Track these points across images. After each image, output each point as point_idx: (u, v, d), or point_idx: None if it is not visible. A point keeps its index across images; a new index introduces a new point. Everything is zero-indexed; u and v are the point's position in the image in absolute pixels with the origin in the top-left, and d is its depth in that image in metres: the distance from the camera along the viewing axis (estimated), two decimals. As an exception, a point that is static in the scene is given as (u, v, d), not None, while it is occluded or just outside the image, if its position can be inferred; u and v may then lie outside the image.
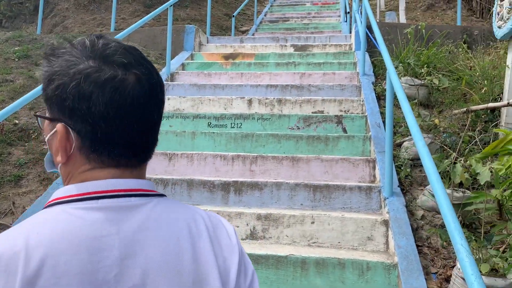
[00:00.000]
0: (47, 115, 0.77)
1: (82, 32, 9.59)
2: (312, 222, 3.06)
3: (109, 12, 10.39)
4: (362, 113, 4.48)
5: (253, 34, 9.41)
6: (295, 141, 4.03)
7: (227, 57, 6.23)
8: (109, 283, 0.66)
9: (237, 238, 0.81)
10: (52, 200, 0.73)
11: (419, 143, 2.25)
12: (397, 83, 3.00)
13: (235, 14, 8.94)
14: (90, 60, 0.72)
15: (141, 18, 10.23)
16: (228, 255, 0.77)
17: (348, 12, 8.26)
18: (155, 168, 3.92)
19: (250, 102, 4.80)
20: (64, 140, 0.73)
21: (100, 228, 0.69)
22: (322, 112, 4.60)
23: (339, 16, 10.36)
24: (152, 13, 5.27)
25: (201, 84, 5.29)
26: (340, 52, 6.01)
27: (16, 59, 5.78)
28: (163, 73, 5.61)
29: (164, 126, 4.59)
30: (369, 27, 5.58)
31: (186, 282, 0.71)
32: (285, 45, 6.48)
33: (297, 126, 4.36)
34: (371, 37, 5.67)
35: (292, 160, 3.73)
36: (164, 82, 5.29)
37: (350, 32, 8.41)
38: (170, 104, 4.94)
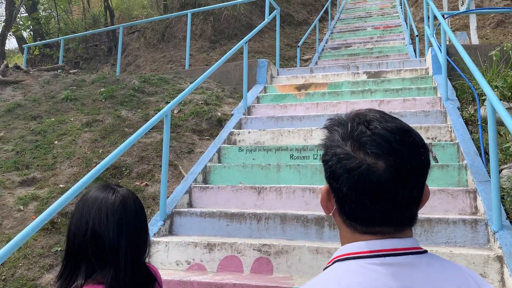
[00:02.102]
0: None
1: (153, 69, 10.12)
2: (418, 258, 2.94)
3: (177, 50, 10.90)
4: (452, 140, 4.32)
5: (316, 62, 9.48)
6: (385, 171, 3.93)
7: (299, 88, 6.28)
8: None
9: None
10: (341, 255, 0.84)
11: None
12: (502, 109, 2.87)
13: (299, 44, 9.07)
14: (347, 144, 0.82)
15: (207, 54, 10.67)
16: None
17: (417, 35, 8.11)
18: (245, 202, 3.97)
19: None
20: (325, 200, 0.87)
21: (390, 282, 0.78)
22: (407, 140, 4.48)
23: (403, 38, 10.21)
24: (231, 50, 5.45)
25: (278, 116, 5.35)
26: (417, 77, 5.88)
27: (103, 100, 6.17)
28: (241, 107, 5.75)
29: (248, 159, 4.67)
30: (446, 50, 5.43)
31: None
32: (357, 73, 6.45)
33: (384, 156, 4.27)
34: (451, 62, 5.51)
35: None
36: (242, 116, 5.45)
37: (421, 56, 8.24)
38: (251, 137, 5.03)
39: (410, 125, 4.01)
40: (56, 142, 5.13)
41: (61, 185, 4.39)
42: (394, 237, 0.83)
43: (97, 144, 5.08)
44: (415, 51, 8.61)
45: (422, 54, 8.52)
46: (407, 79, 5.86)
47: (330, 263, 0.86)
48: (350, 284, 0.77)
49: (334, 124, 0.86)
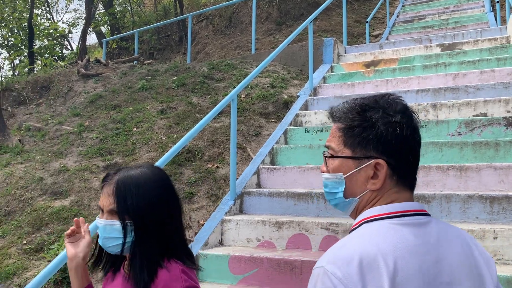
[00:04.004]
0: (350, 155, 1.03)
1: (221, 56, 10.34)
2: (495, 238, 2.81)
3: (244, 35, 11.03)
4: (536, 113, 4.00)
5: (387, 38, 9.12)
6: (459, 148, 3.76)
7: (368, 65, 6.12)
8: (451, 279, 0.92)
9: None
10: (369, 217, 0.99)
11: None
12: None
13: (368, 19, 8.77)
14: (397, 115, 1.03)
15: (273, 37, 10.68)
16: (489, 262, 1.02)
17: (498, 1, 7.48)
18: (312, 182, 4.01)
19: (400, 110, 4.63)
20: (368, 175, 1.01)
21: (414, 238, 0.93)
22: (485, 114, 4.23)
23: (483, 6, 9.46)
24: (295, 31, 5.43)
25: (346, 95, 5.28)
26: (496, 47, 5.47)
27: (176, 88, 6.47)
28: (307, 88, 5.74)
29: (314, 140, 4.68)
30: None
31: (475, 276, 0.97)
32: (430, 46, 6.13)
33: (458, 132, 4.07)
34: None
35: (459, 169, 3.49)
36: (308, 97, 5.44)
37: (502, 23, 7.61)
38: (317, 118, 5.03)
39: (488, 98, 3.99)
40: (134, 129, 5.50)
41: (140, 169, 4.71)
42: (409, 199, 1.01)
43: (171, 129, 5.36)
44: (496, 19, 7.97)
45: (504, 21, 7.86)
46: (485, 50, 5.48)
47: (357, 225, 1.00)
48: (382, 241, 0.90)
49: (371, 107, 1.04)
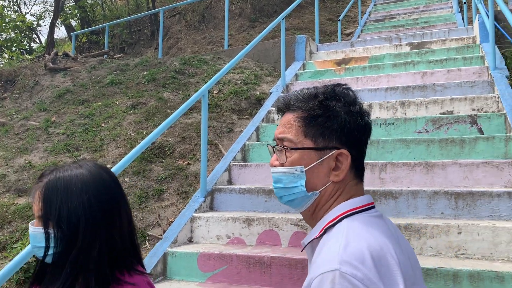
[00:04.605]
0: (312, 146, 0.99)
1: (194, 51, 10.24)
2: (459, 233, 2.88)
3: (217, 30, 10.95)
4: (499, 111, 4.12)
5: (358, 36, 9.22)
6: (426, 145, 3.84)
7: (339, 63, 6.17)
8: (412, 263, 0.95)
9: None
10: (345, 212, 0.96)
11: None
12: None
13: (340, 17, 8.84)
14: (355, 106, 1.05)
15: (247, 33, 10.64)
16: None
17: (465, 2, 7.68)
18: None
19: (370, 107, 4.69)
20: (330, 167, 0.98)
21: (388, 229, 0.96)
22: (451, 112, 4.33)
23: (451, 7, 9.70)
24: (268, 28, 5.42)
25: (317, 92, 5.30)
26: (463, 46, 5.61)
27: (146, 83, 6.36)
28: (279, 85, 5.74)
29: (286, 137, 4.68)
30: (494, 17, 5.13)
31: (417, 262, 1.01)
32: (400, 44, 6.23)
33: (425, 129, 4.15)
34: (500, 28, 5.20)
35: (425, 166, 3.56)
36: (281, 94, 5.45)
37: (469, 24, 7.81)
38: (289, 114, 5.03)
39: (455, 96, 4.05)
40: (103, 125, 5.37)
41: (109, 166, 4.61)
42: (364, 192, 1.03)
43: (141, 125, 5.27)
44: (463, 19, 8.18)
45: (471, 22, 8.07)
46: (452, 49, 5.61)
47: (335, 220, 0.95)
48: (377, 234, 0.90)
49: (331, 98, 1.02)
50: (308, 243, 1.00)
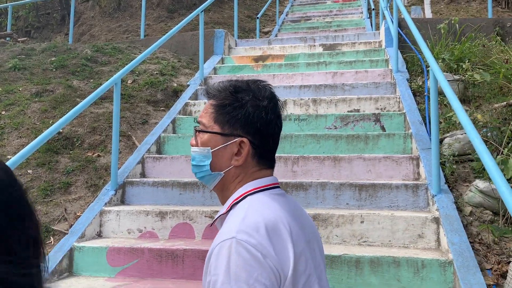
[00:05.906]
0: (219, 131, 1.09)
1: (108, 39, 9.79)
2: (362, 222, 3.09)
3: (134, 19, 10.57)
4: (400, 110, 4.48)
5: (276, 35, 9.45)
6: (335, 140, 4.05)
7: (257, 59, 6.28)
8: (311, 238, 1.08)
9: None
10: (249, 191, 1.07)
11: (476, 140, 2.25)
12: (443, 80, 3.00)
13: (259, 15, 8.98)
14: (265, 100, 1.12)
15: (165, 24, 10.41)
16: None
17: (374, 9, 8.21)
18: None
19: (285, 103, 4.83)
20: (233, 153, 1.08)
21: (288, 205, 1.07)
22: (358, 110, 4.62)
23: (361, 12, 10.33)
24: (186, 19, 5.35)
25: (235, 87, 5.35)
26: (370, 50, 6.00)
27: (54, 69, 5.95)
28: (197, 78, 5.70)
29: (202, 130, 4.67)
30: (398, 24, 5.56)
31: (317, 236, 1.14)
32: (314, 45, 6.50)
33: (334, 126, 4.39)
34: (403, 34, 5.65)
35: (333, 160, 3.76)
36: (199, 87, 5.41)
37: (377, 29, 8.38)
38: (206, 108, 5.02)
39: (361, 96, 4.30)
40: (3, 112, 4.94)
41: (9, 156, 4.25)
42: (272, 174, 1.14)
43: (47, 114, 4.92)
44: (372, 25, 8.75)
45: (379, 28, 8.66)
46: (360, 52, 5.98)
47: (240, 198, 1.07)
48: (274, 208, 1.02)
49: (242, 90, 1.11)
50: (217, 219, 1.12)
